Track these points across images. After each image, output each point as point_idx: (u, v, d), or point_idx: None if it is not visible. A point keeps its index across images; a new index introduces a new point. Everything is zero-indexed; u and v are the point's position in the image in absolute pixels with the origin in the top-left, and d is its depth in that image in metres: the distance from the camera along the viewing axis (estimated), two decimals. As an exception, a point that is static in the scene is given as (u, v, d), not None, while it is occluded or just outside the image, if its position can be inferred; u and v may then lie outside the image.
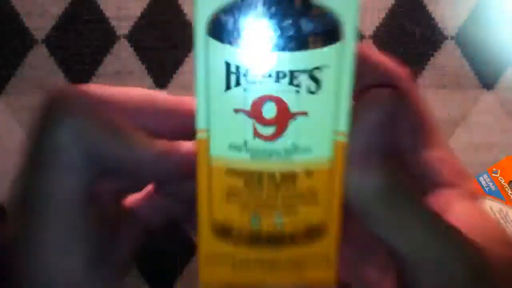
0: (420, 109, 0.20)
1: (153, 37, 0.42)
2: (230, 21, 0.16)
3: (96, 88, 0.21)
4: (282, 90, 0.15)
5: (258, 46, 0.15)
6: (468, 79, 0.41)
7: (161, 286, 0.43)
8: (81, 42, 0.42)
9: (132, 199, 0.22)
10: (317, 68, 0.15)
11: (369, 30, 0.42)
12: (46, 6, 0.42)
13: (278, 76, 0.15)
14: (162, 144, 0.20)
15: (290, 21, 0.15)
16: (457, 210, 0.19)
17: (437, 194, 0.20)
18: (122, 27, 0.42)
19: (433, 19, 0.42)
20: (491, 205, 0.40)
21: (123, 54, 0.42)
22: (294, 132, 0.16)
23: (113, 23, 0.42)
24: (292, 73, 0.15)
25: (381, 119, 0.17)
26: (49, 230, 0.20)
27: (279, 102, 0.16)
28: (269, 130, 0.16)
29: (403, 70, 0.20)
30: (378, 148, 0.17)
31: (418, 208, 0.18)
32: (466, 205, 0.19)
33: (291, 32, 0.15)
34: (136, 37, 0.42)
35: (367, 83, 0.19)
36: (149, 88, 0.42)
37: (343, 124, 0.16)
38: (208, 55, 0.17)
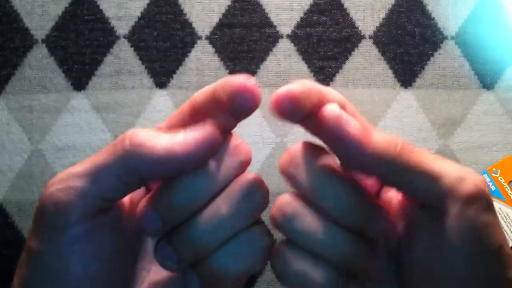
0: (352, 110, 0.26)
1: (153, 37, 0.42)
2: None
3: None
4: None
5: None
6: (468, 79, 0.41)
7: None
8: (81, 42, 0.42)
9: None
10: None
11: (369, 30, 0.42)
12: (46, 6, 0.42)
13: None
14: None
15: None
16: None
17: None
18: (122, 27, 0.42)
19: (433, 19, 0.42)
20: (491, 205, 0.40)
21: (123, 54, 0.42)
22: None
23: (113, 23, 0.42)
24: None
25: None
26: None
27: None
28: None
29: (340, 97, 0.26)
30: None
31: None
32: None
33: None
34: (136, 37, 0.42)
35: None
36: (149, 88, 0.42)
37: None
38: None
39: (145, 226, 0.25)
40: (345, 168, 0.26)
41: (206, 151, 0.24)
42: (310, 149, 0.26)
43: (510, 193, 0.40)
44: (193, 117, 0.26)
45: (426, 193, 0.24)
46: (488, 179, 0.40)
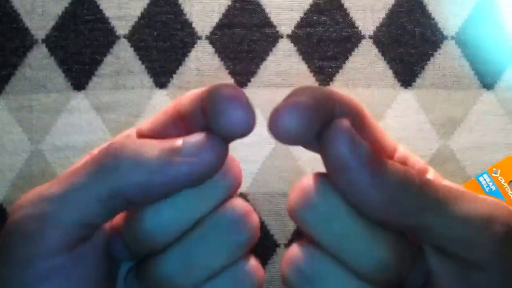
0: (374, 126, 0.22)
1: (153, 37, 0.42)
2: None
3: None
4: None
5: None
6: (468, 79, 0.41)
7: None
8: (81, 42, 0.42)
9: None
10: None
11: (369, 30, 0.42)
12: (46, 6, 0.42)
13: None
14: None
15: None
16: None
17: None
18: (122, 27, 0.42)
19: (433, 19, 0.42)
20: (491, 205, 0.40)
21: (123, 54, 0.42)
22: None
23: (113, 23, 0.42)
24: None
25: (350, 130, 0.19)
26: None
27: None
28: None
29: (357, 103, 0.22)
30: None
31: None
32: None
33: None
34: (136, 37, 0.42)
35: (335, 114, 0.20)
36: (149, 88, 0.42)
37: None
38: None
39: (112, 252, 0.21)
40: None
41: (212, 165, 0.19)
42: (328, 185, 0.20)
43: (510, 193, 0.40)
44: (178, 122, 0.22)
45: (451, 241, 0.19)
46: (488, 179, 0.40)
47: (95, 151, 0.23)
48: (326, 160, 0.20)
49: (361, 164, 0.18)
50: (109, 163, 0.19)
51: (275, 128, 0.19)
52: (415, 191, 0.19)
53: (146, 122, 0.23)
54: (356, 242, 0.20)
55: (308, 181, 0.21)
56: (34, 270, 0.19)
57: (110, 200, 0.19)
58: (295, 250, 0.21)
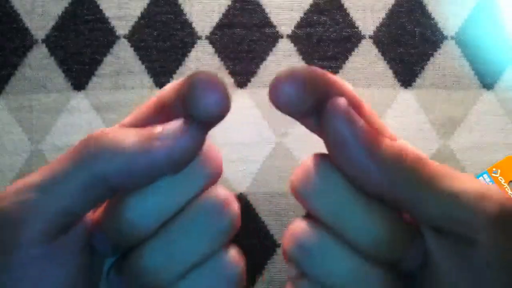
0: (371, 114, 0.23)
1: (153, 37, 0.42)
2: None
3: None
4: None
5: None
6: (468, 79, 0.41)
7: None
8: (81, 42, 0.42)
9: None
10: None
11: (369, 30, 0.42)
12: (46, 6, 0.42)
13: None
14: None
15: None
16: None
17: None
18: (122, 27, 0.42)
19: (433, 19, 0.42)
20: (491, 205, 0.40)
21: (123, 54, 0.42)
22: None
23: (113, 23, 0.42)
24: None
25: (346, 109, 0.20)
26: None
27: None
28: None
29: (351, 90, 0.22)
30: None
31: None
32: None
33: None
34: (136, 37, 0.42)
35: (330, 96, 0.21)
36: (149, 88, 0.42)
37: None
38: None
39: (94, 245, 0.21)
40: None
41: (190, 149, 0.20)
42: (328, 163, 0.21)
43: (510, 193, 0.40)
44: (159, 114, 0.22)
45: (443, 217, 0.20)
46: (488, 179, 0.40)
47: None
48: (325, 137, 0.21)
49: (358, 138, 0.20)
50: (90, 150, 0.20)
51: (274, 96, 0.21)
52: (409, 165, 0.20)
53: (127, 117, 0.24)
54: (354, 216, 0.20)
55: (309, 160, 0.22)
56: (17, 257, 0.19)
57: (93, 187, 0.20)
58: (297, 225, 0.22)
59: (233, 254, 0.22)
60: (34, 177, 0.20)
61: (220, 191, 0.22)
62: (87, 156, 0.20)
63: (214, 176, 0.22)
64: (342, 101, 0.20)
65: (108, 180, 0.20)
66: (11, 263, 0.19)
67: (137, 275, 0.21)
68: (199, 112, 0.20)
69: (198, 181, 0.22)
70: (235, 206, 0.22)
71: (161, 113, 0.22)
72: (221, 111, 0.20)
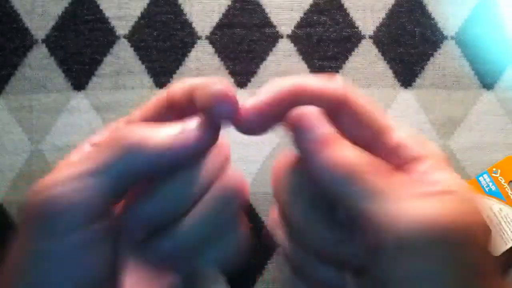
0: (364, 106, 0.24)
1: (153, 37, 0.42)
2: None
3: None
4: None
5: None
6: (468, 79, 0.41)
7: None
8: (81, 42, 0.42)
9: None
10: None
11: (369, 30, 0.42)
12: (46, 6, 0.42)
13: None
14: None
15: None
16: (440, 177, 0.22)
17: (416, 165, 0.23)
18: (122, 27, 0.42)
19: (433, 19, 0.42)
20: (491, 205, 0.40)
21: (123, 54, 0.42)
22: None
23: (113, 23, 0.42)
24: None
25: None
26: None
27: None
28: None
29: (333, 91, 0.24)
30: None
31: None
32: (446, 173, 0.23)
33: None
34: (136, 37, 0.42)
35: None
36: (149, 88, 0.42)
37: None
38: None
39: (125, 231, 0.24)
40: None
41: (209, 143, 0.24)
42: (290, 163, 0.25)
43: (510, 193, 0.40)
44: (171, 111, 0.25)
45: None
46: (488, 179, 0.40)
47: (95, 138, 0.27)
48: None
49: (313, 146, 0.22)
50: (123, 143, 0.22)
51: (238, 128, 0.24)
52: (357, 176, 0.21)
53: (135, 113, 0.26)
54: (306, 219, 0.24)
55: (279, 161, 0.25)
56: (65, 242, 0.21)
57: (128, 176, 0.23)
58: (272, 208, 0.27)
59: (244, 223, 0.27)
60: (79, 167, 0.22)
61: (238, 177, 0.26)
62: (121, 150, 0.22)
63: (227, 160, 0.26)
64: (298, 112, 0.23)
65: (139, 172, 0.23)
66: (66, 247, 0.21)
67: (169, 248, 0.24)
68: (213, 117, 0.23)
69: (217, 168, 0.25)
70: (245, 194, 0.26)
71: (169, 110, 0.25)
72: (232, 118, 0.23)
